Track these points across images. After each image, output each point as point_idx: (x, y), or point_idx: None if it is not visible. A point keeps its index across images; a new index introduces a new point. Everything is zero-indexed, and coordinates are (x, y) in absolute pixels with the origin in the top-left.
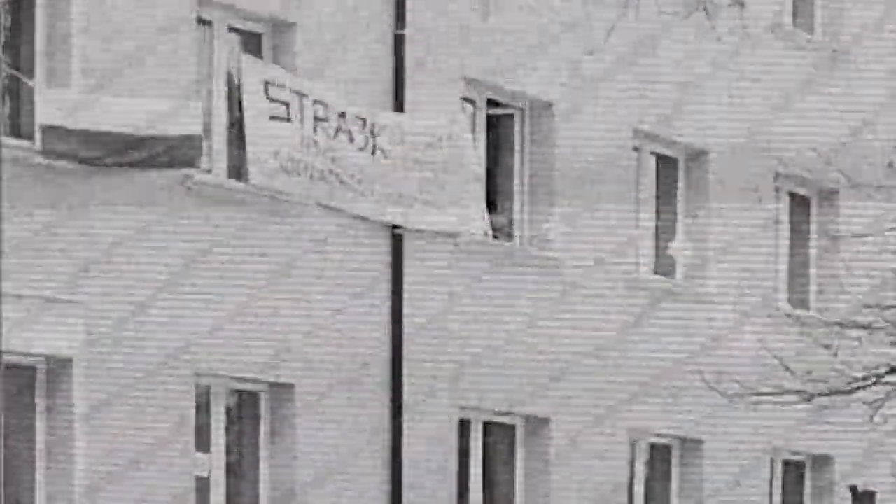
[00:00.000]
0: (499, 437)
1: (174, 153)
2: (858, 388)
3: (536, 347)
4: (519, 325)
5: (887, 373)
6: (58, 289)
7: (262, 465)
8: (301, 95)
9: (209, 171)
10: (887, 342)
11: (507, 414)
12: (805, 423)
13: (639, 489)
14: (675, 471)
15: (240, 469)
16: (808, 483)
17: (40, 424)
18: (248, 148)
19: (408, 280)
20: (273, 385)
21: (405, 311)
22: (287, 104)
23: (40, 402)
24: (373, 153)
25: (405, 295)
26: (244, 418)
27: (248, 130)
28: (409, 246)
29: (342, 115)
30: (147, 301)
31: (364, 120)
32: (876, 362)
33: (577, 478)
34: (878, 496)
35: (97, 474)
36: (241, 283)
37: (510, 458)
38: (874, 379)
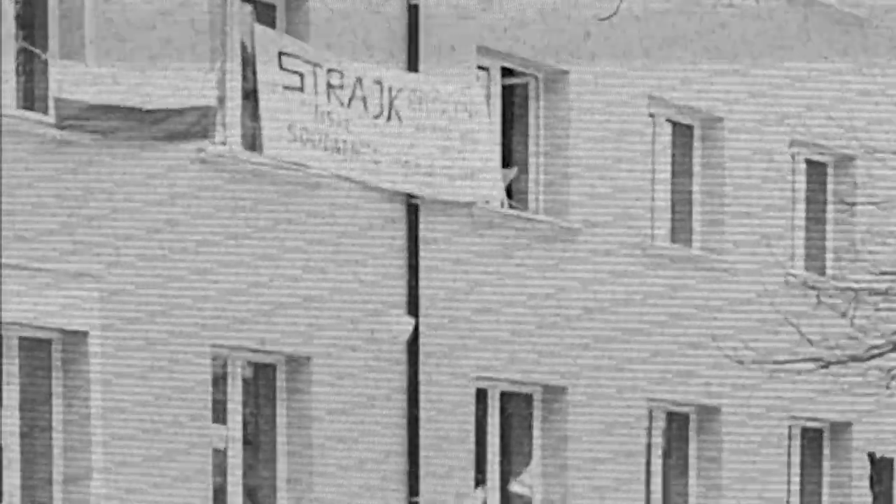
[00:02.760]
0: (516, 406)
1: (188, 125)
2: (875, 355)
3: (553, 316)
4: (535, 294)
5: None
6: (74, 262)
7: (279, 438)
8: (315, 65)
9: (223, 143)
10: None
11: (525, 383)
12: (822, 391)
13: (656, 458)
14: (692, 439)
15: (257, 441)
16: (826, 450)
17: (57, 398)
18: (263, 119)
19: (424, 250)
20: (290, 357)
21: (421, 281)
22: (301, 75)
23: (57, 376)
24: (388, 119)
25: (421, 264)
26: (261, 391)
27: (262, 102)
28: (424, 215)
29: (359, 80)
30: (163, 274)
31: (381, 84)
32: (892, 329)
33: (594, 447)
34: None
35: (114, 448)
36: (257, 255)
37: (527, 428)
38: (891, 346)
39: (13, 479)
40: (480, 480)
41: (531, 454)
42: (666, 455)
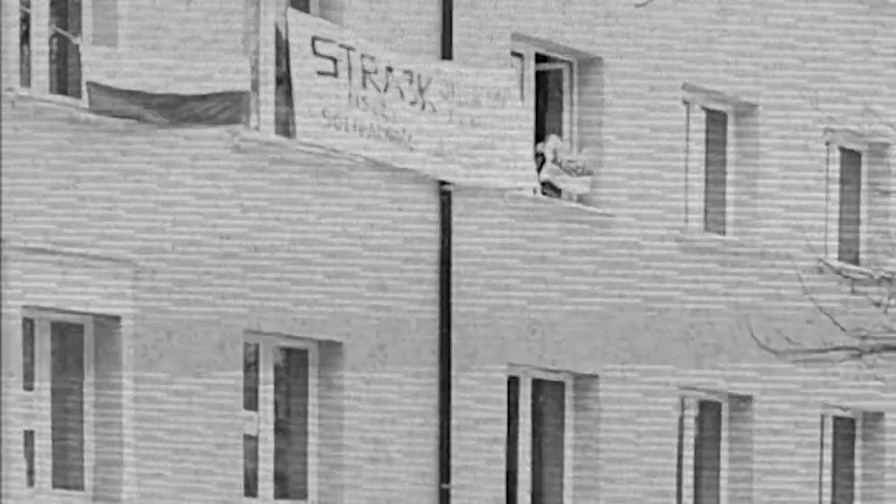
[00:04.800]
0: (548, 394)
1: (222, 110)
2: None
3: (586, 304)
4: (568, 281)
5: None
6: (107, 248)
7: (311, 424)
8: (349, 50)
9: (257, 128)
10: None
11: (557, 371)
12: (855, 380)
13: (688, 446)
14: (724, 428)
15: (288, 427)
16: (858, 440)
17: (89, 382)
18: (296, 104)
19: (456, 237)
20: (322, 343)
21: (454, 268)
22: (335, 59)
23: (89, 361)
24: (423, 108)
25: (454, 251)
26: (292, 377)
27: (295, 87)
28: (457, 202)
29: (389, 69)
30: (195, 260)
31: (411, 73)
32: None
33: (626, 435)
34: None
35: (145, 433)
36: (290, 241)
37: (559, 415)
38: None
39: (45, 464)
40: None
41: (563, 441)
42: (698, 444)
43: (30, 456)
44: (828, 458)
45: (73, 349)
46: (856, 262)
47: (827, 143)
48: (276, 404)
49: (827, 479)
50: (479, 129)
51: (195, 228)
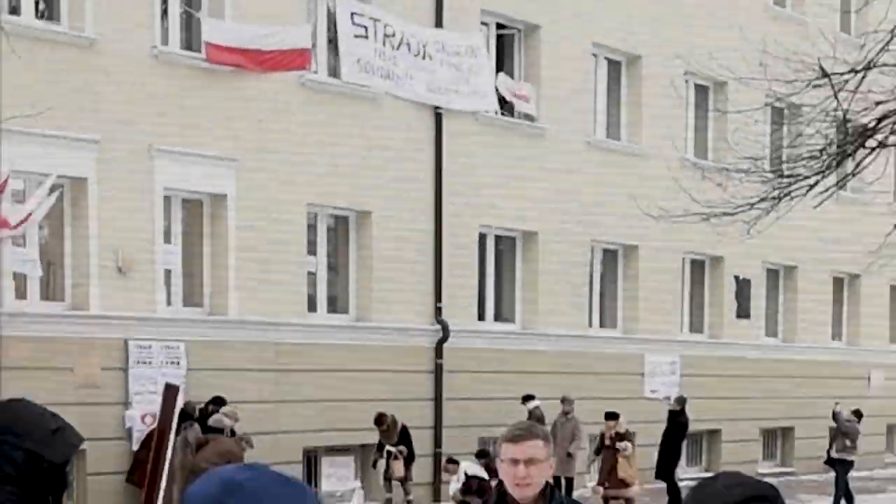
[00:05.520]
0: (506, 246)
1: (293, 60)
2: (739, 212)
3: (531, 186)
4: (520, 174)
5: (758, 202)
6: (218, 147)
7: (351, 267)
8: (375, 21)
9: (316, 72)
10: (758, 181)
11: (512, 230)
12: (706, 235)
13: (596, 284)
14: (619, 267)
15: (335, 268)
16: (707, 274)
17: (206, 244)
18: (341, 56)
19: (445, 140)
20: (358, 212)
21: (444, 165)
22: (366, 27)
23: (206, 229)
24: (423, 58)
25: (444, 152)
26: (339, 234)
27: (340, 45)
28: (446, 120)
29: (401, 33)
30: (276, 157)
31: (415, 36)
32: (751, 194)
33: (557, 277)
34: (753, 282)
35: (243, 273)
36: (338, 145)
37: (511, 266)
38: (749, 206)
39: (177, 286)
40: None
41: (514, 293)
42: (602, 280)
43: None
44: (687, 287)
45: (195, 218)
46: (706, 157)
47: (686, 81)
48: (328, 252)
49: (686, 308)
50: (460, 72)
51: (277, 135)
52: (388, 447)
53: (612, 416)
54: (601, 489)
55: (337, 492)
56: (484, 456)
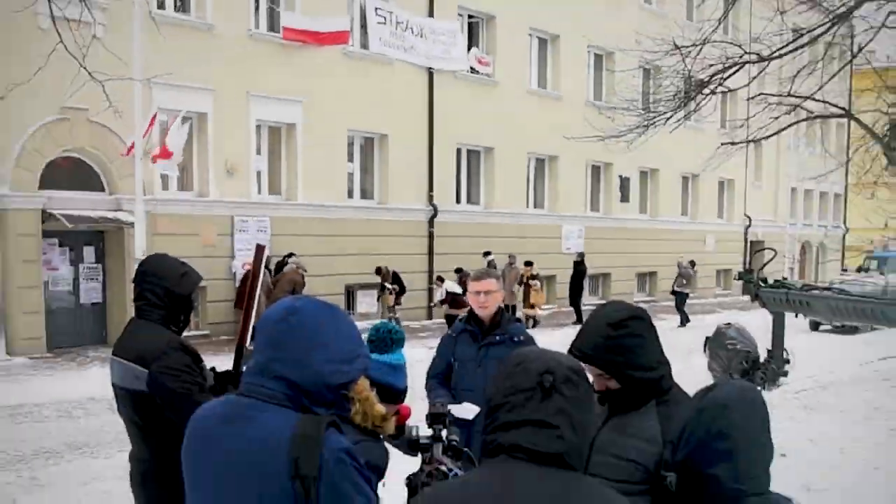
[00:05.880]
0: (473, 156)
1: (338, 38)
2: (622, 135)
3: (486, 119)
4: (481, 108)
5: (634, 128)
6: (289, 90)
7: (375, 169)
8: (390, 13)
9: (352, 46)
10: (633, 115)
11: (477, 146)
12: (601, 149)
13: (531, 181)
14: (481, 165)
15: (365, 170)
16: (601, 174)
17: (284, 161)
18: (370, 36)
19: (435, 87)
20: (380, 134)
21: (434, 105)
22: (385, 17)
23: (282, 146)
24: (421, 37)
25: (434, 97)
26: (367, 148)
27: (369, 28)
28: (436, 77)
29: (409, 21)
30: (330, 98)
31: (417, 23)
32: (630, 124)
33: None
34: (631, 179)
35: (308, 174)
36: (367, 88)
37: (477, 169)
38: (629, 131)
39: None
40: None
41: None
42: (535, 178)
43: (258, 180)
44: (589, 183)
45: (276, 142)
46: (601, 98)
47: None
48: (363, 164)
49: (589, 193)
50: (445, 46)
51: (331, 82)
52: (385, 285)
53: (528, 263)
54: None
55: (368, 312)
56: (459, 272)
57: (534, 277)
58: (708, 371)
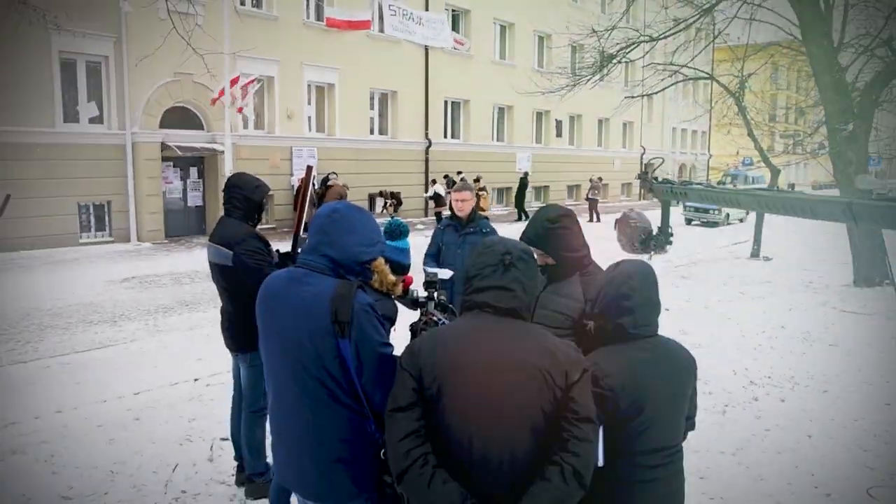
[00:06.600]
0: (455, 106)
1: (363, 24)
2: (557, 90)
3: (463, 80)
4: (460, 73)
5: (565, 86)
6: (329, 62)
7: (388, 115)
8: (400, 7)
9: (373, 30)
10: (565, 78)
11: (458, 98)
12: (543, 101)
13: (495, 123)
14: (505, 118)
15: (382, 115)
16: (543, 119)
17: (326, 107)
18: (385, 23)
19: (431, 61)
20: (392, 91)
21: (429, 71)
22: (395, 10)
23: (326, 100)
24: (419, 24)
25: (429, 66)
26: (383, 101)
27: (384, 19)
28: (430, 52)
29: (412, 12)
30: (354, 67)
31: (418, 14)
32: (563, 83)
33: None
34: (563, 121)
35: (343, 117)
36: (381, 62)
37: (458, 115)
38: (562, 88)
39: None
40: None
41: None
42: (497, 122)
43: (309, 123)
44: (534, 125)
45: (323, 97)
46: (545, 67)
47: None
48: (380, 109)
49: (534, 130)
50: (435, 30)
51: (366, 55)
52: (385, 202)
53: (478, 179)
54: None
55: (382, 213)
56: (446, 178)
57: (482, 189)
58: (617, 243)
